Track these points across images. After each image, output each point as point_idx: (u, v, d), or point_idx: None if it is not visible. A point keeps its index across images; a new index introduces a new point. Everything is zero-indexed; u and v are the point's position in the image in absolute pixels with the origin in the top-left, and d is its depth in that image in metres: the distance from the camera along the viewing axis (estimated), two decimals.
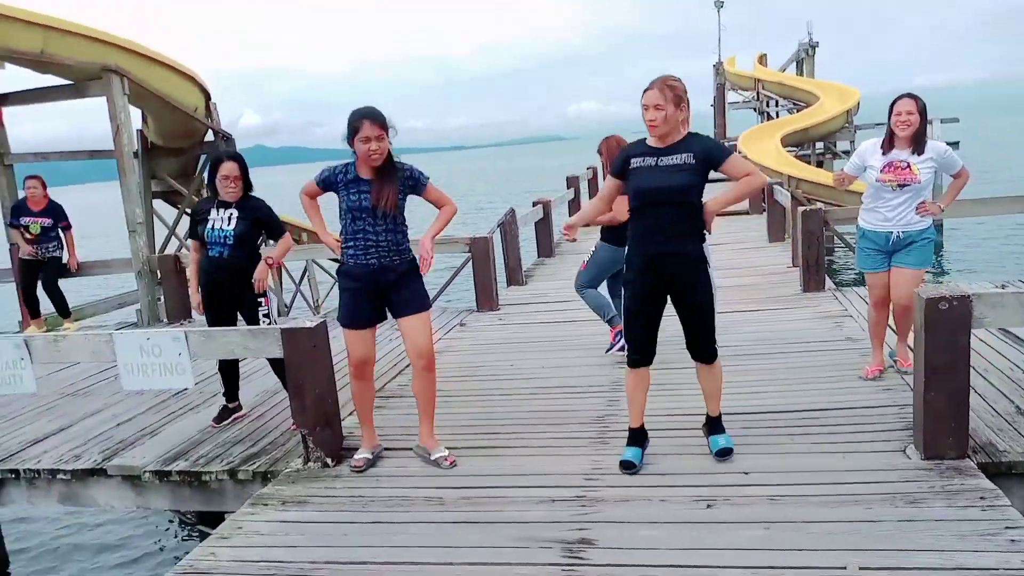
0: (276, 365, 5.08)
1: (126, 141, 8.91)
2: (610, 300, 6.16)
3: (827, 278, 7.98)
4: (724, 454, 3.97)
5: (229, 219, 4.98)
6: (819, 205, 8.64)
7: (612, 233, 5.89)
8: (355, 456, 4.40)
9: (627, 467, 3.98)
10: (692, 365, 4.48)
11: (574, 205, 15.48)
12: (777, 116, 29.30)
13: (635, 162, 3.81)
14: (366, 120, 3.92)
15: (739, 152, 19.05)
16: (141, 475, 4.63)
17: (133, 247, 9.26)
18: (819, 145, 24.17)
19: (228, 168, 4.96)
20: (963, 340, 3.67)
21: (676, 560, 3.12)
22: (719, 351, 4.03)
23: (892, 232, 4.75)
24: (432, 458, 4.28)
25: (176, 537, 7.10)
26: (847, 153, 23.67)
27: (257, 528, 3.75)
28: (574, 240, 4.36)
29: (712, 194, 3.83)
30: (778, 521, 3.34)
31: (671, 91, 3.69)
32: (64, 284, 9.04)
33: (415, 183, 4.13)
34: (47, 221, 8.64)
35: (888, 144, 4.69)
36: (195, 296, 5.19)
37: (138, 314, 9.67)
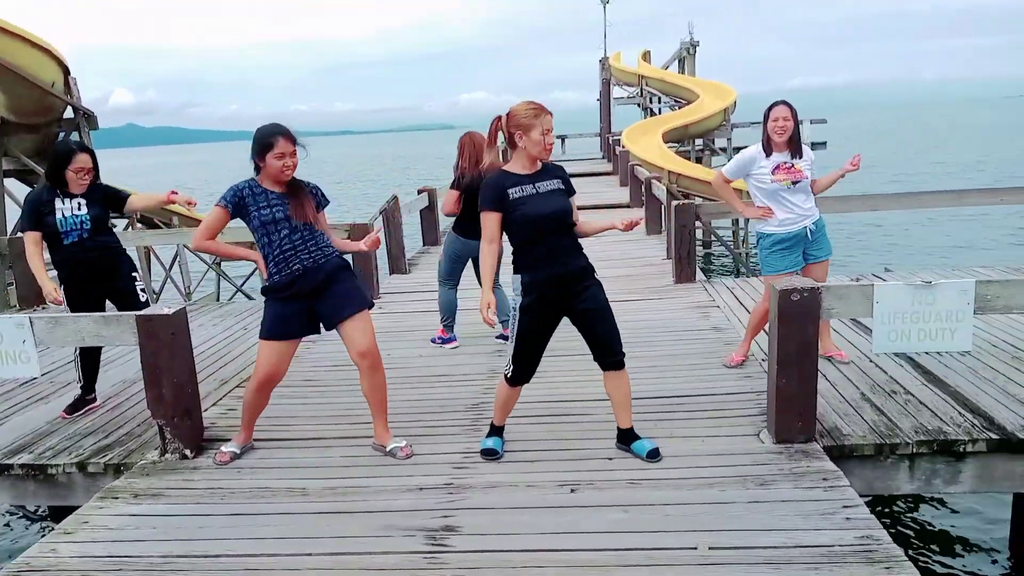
0: (84, 354, 5.02)
1: None
2: (455, 306, 6.30)
3: (698, 270, 8.26)
4: (655, 455, 3.86)
5: (79, 206, 4.78)
6: (697, 200, 8.96)
7: (460, 226, 6.09)
8: (221, 448, 4.24)
9: (490, 455, 4.02)
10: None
11: (427, 213, 15.34)
12: (660, 112, 30.17)
13: (513, 192, 3.71)
14: (281, 137, 3.82)
15: (623, 147, 19.51)
16: None
17: None
18: (698, 142, 25.02)
19: (83, 160, 4.77)
20: (812, 329, 3.87)
21: (538, 544, 3.16)
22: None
23: (806, 226, 4.92)
24: (387, 450, 4.13)
25: (24, 533, 6.66)
26: (724, 150, 24.65)
27: (105, 522, 3.55)
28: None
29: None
30: (637, 504, 3.43)
31: (549, 120, 3.74)
32: None
33: (318, 199, 4.04)
34: None
35: (768, 148, 4.88)
36: (49, 285, 4.82)
37: None
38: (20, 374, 4.33)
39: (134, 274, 5.06)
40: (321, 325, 4.09)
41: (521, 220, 3.70)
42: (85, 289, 4.89)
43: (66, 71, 10.32)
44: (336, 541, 3.29)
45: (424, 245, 11.86)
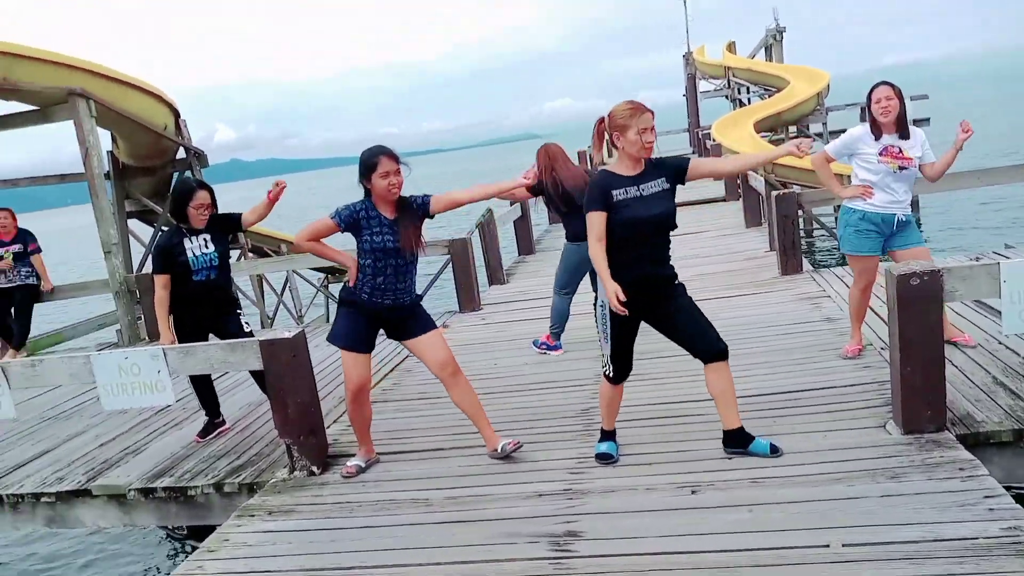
0: (258, 377, 5.07)
1: (96, 163, 8.83)
2: (567, 316, 6.26)
3: (804, 260, 8.04)
4: (776, 450, 3.79)
5: (206, 243, 5.03)
6: (794, 188, 8.71)
7: (567, 234, 6.08)
8: (347, 463, 4.40)
9: (606, 459, 4.04)
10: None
11: (522, 224, 15.41)
12: (749, 103, 29.45)
13: (617, 195, 3.70)
14: (383, 156, 3.96)
15: (713, 141, 19.14)
16: (126, 493, 4.61)
17: (109, 268, 9.19)
18: (792, 129, 24.34)
19: (203, 197, 4.98)
20: (936, 314, 3.71)
21: (662, 547, 3.14)
22: None
23: (896, 214, 4.77)
24: (499, 450, 4.24)
25: (167, 553, 7.06)
26: (820, 136, 23.86)
27: (244, 539, 3.74)
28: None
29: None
30: (762, 503, 3.37)
31: (651, 118, 3.69)
32: (44, 308, 8.95)
33: (422, 207, 4.14)
34: (18, 247, 8.58)
35: (877, 131, 4.73)
36: (168, 333, 5.04)
37: (118, 334, 9.61)
38: (158, 402, 4.58)
39: (239, 311, 5.31)
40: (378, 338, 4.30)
41: (622, 223, 3.68)
42: (200, 323, 5.13)
43: (176, 114, 10.91)
44: (462, 550, 3.36)
45: (520, 255, 11.97)
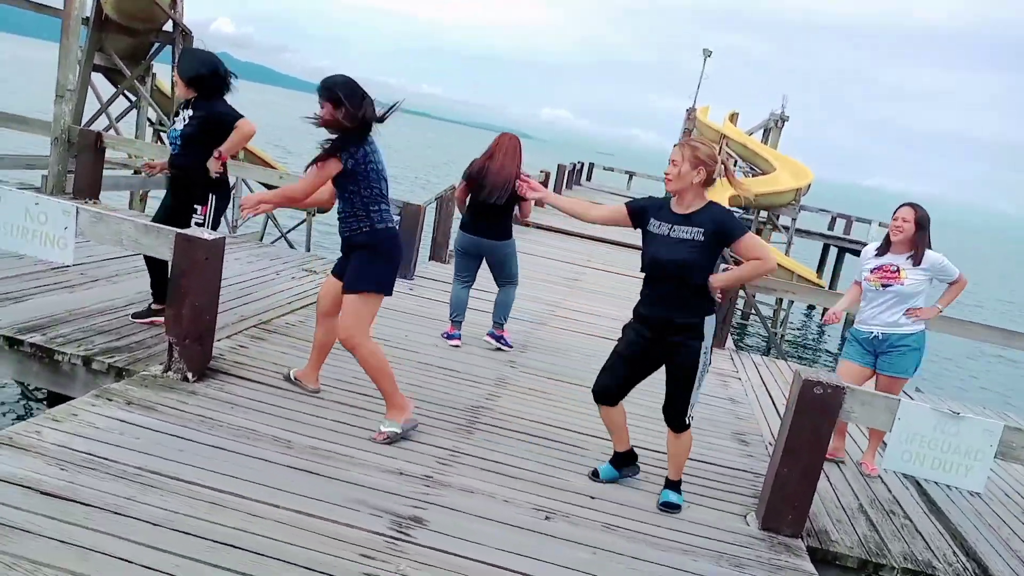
0: (152, 265, 5.02)
1: (77, 3, 8.46)
2: (465, 302, 6.26)
3: (729, 338, 8.16)
4: (669, 507, 3.89)
5: (185, 120, 4.93)
6: None
7: (463, 220, 6.13)
8: (294, 369, 4.57)
9: (593, 474, 4.09)
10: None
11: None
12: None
13: (652, 224, 3.75)
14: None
15: None
16: None
17: (56, 112, 8.80)
18: (763, 214, 24.81)
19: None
20: (826, 427, 3.78)
21: (499, 560, 3.12)
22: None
23: (873, 332, 4.85)
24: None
25: (11, 409, 6.78)
26: (786, 228, 24.40)
27: (92, 420, 3.59)
28: None
29: None
30: (606, 549, 3.38)
31: (691, 151, 3.66)
32: None
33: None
34: None
35: (884, 247, 4.84)
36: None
37: (43, 180, 9.20)
38: (54, 258, 4.38)
39: (196, 207, 5.01)
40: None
41: (643, 254, 3.78)
42: (167, 201, 5.11)
43: None
44: (305, 500, 3.28)
45: None
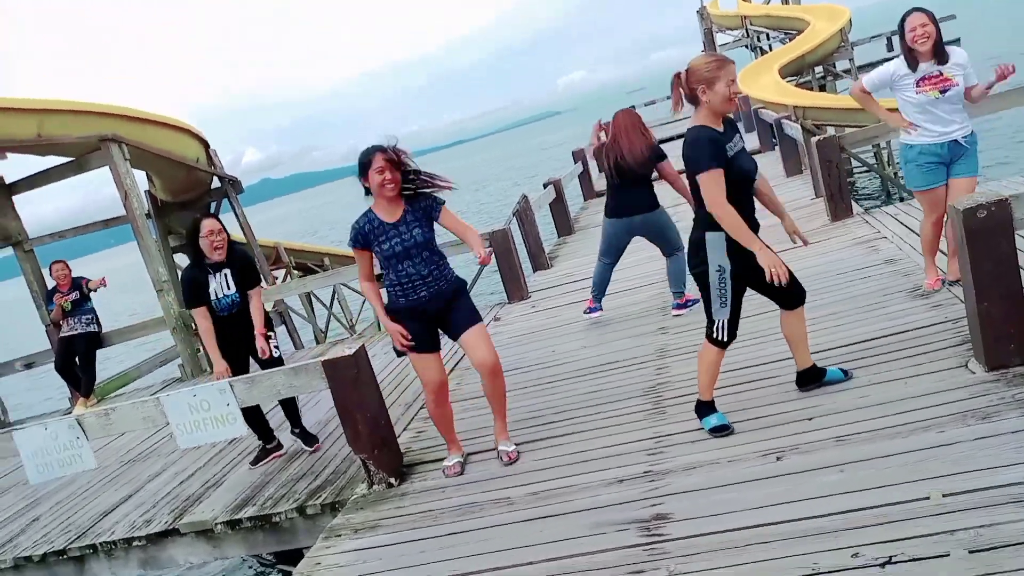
0: (284, 404, 5.34)
1: (136, 204, 8.98)
2: (607, 280, 6.45)
3: (853, 203, 7.83)
4: (847, 373, 4.02)
5: (227, 283, 5.12)
6: (830, 131, 8.48)
7: (606, 206, 6.22)
8: (447, 464, 4.42)
9: (722, 431, 3.90)
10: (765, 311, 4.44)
11: (584, 179, 15.38)
12: (771, 49, 28.82)
13: (729, 148, 3.64)
14: (377, 153, 3.98)
15: (740, 93, 18.73)
16: (213, 527, 4.69)
17: (163, 305, 9.35)
18: (818, 70, 23.76)
19: (209, 224, 5.08)
20: (1008, 245, 3.56)
21: (755, 520, 3.07)
22: (747, 301, 3.91)
23: (955, 138, 4.65)
24: (498, 449, 4.35)
25: None
26: (847, 72, 23.27)
27: (335, 560, 3.76)
28: None
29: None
30: (851, 462, 3.27)
31: (732, 68, 3.61)
32: (106, 353, 9.14)
33: (432, 209, 4.12)
34: (75, 295, 8.83)
35: (913, 61, 4.60)
36: (222, 365, 5.08)
37: (181, 369, 9.78)
38: (229, 435, 4.64)
39: (271, 334, 5.32)
40: (440, 336, 4.31)
41: (737, 177, 3.59)
42: (233, 344, 5.23)
43: (206, 145, 11.05)
44: (552, 546, 3.33)
45: (559, 236, 11.88)
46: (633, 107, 6.75)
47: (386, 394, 6.00)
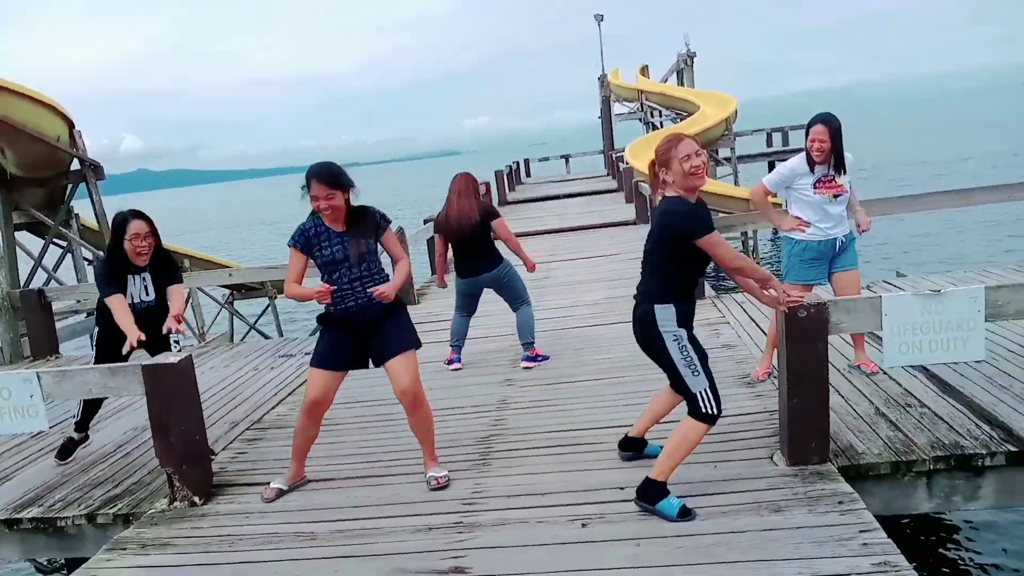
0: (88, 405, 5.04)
1: None
2: (465, 332, 6.55)
3: (706, 285, 8.19)
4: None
5: (146, 289, 4.76)
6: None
7: (456, 266, 6.41)
8: (269, 485, 4.26)
9: (687, 515, 3.54)
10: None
11: None
12: (662, 126, 30.20)
13: None
14: (314, 180, 3.89)
15: (626, 163, 19.44)
16: None
17: None
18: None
19: (137, 227, 4.63)
20: (822, 347, 3.80)
21: None
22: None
23: (837, 238, 4.96)
24: (427, 475, 4.20)
25: None
26: (728, 160, 24.61)
27: (112, 575, 3.52)
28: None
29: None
30: (648, 537, 3.36)
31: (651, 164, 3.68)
32: None
33: (379, 228, 4.09)
34: None
35: (812, 163, 4.88)
36: (135, 330, 4.52)
37: None
38: (29, 428, 4.31)
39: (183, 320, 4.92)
40: (370, 361, 4.18)
41: (702, 252, 3.55)
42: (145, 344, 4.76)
43: (71, 124, 10.43)
44: None
45: (432, 275, 11.83)
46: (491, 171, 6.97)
47: (212, 408, 5.77)
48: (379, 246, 4.14)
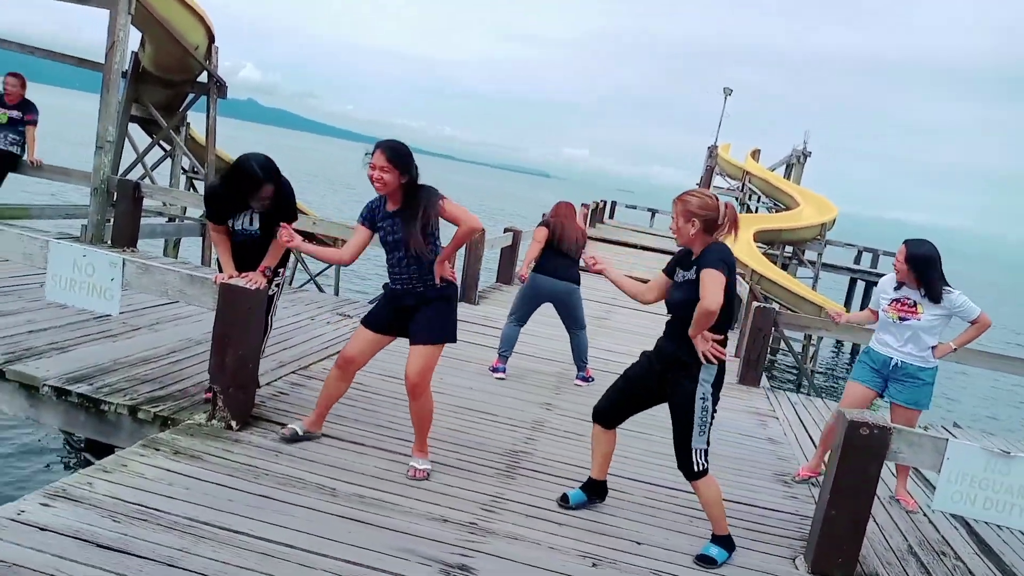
0: None
1: (118, 59, 8.71)
2: (515, 339, 6.63)
3: (764, 376, 8.10)
4: (705, 561, 3.74)
5: (251, 220, 4.59)
6: (774, 306, 8.81)
7: (540, 264, 6.47)
8: (289, 424, 4.37)
9: (563, 500, 4.09)
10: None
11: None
12: (756, 211, 29.93)
13: (677, 274, 3.87)
14: (377, 148, 4.04)
15: None
16: (40, 387, 4.47)
17: (96, 163, 9.02)
18: (788, 249, 24.72)
19: (267, 191, 4.43)
20: (874, 468, 3.74)
21: None
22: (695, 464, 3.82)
23: (892, 358, 4.89)
24: (409, 463, 4.25)
25: (59, 458, 6.86)
26: (812, 263, 24.26)
27: (142, 470, 3.63)
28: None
29: None
30: None
31: (682, 206, 3.72)
32: (17, 181, 8.76)
33: (429, 205, 4.07)
34: (16, 113, 8.46)
35: (899, 280, 4.89)
36: (232, 268, 4.51)
37: (83, 229, 9.39)
38: (100, 309, 4.48)
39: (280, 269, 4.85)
40: (398, 329, 4.31)
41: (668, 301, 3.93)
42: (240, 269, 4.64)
43: (211, 38, 10.82)
44: (354, 550, 3.28)
45: (497, 281, 11.95)
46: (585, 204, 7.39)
47: (268, 344, 5.89)
48: (438, 223, 4.16)
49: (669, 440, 3.90)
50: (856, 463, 3.73)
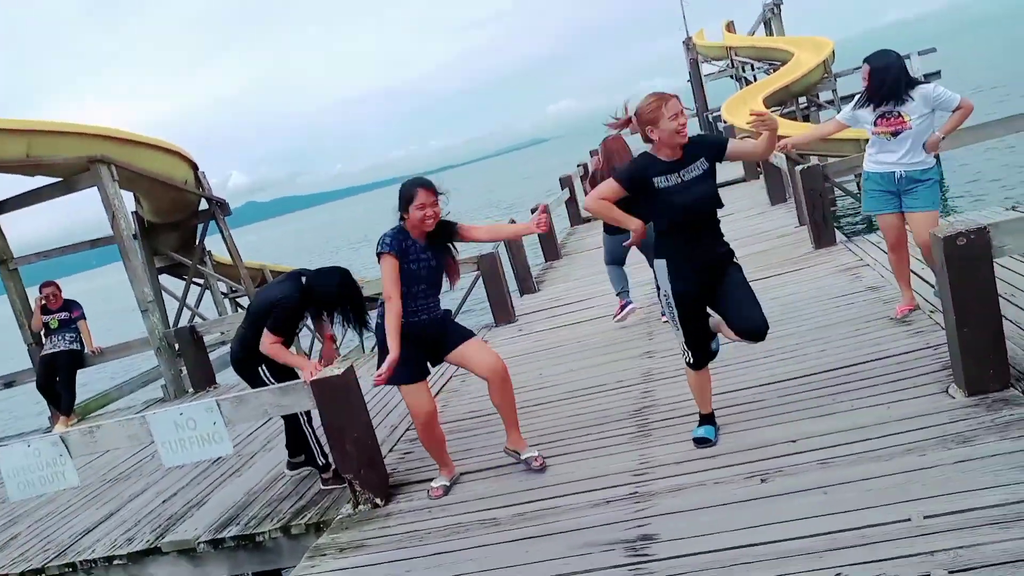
0: (287, 420, 5.07)
1: (124, 225, 8.98)
2: (624, 276, 6.78)
3: (836, 231, 7.94)
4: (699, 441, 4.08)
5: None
6: (813, 160, 8.61)
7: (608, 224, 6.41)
8: (433, 485, 4.43)
9: (701, 442, 4.08)
10: (723, 341, 4.49)
11: (571, 204, 15.48)
12: (755, 79, 29.24)
13: (658, 181, 3.74)
14: (420, 188, 4.06)
15: (725, 122, 18.97)
16: (195, 547, 4.66)
17: (148, 325, 9.31)
18: (801, 100, 24.10)
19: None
20: (987, 272, 3.64)
21: (740, 540, 3.10)
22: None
23: (895, 171, 4.83)
24: (522, 458, 4.38)
25: None
26: (831, 103, 23.63)
27: None
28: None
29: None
30: (834, 484, 3.31)
31: (637, 127, 3.78)
32: (88, 372, 9.09)
33: (454, 233, 4.26)
34: (64, 315, 8.82)
35: (869, 100, 4.81)
36: (305, 359, 4.83)
37: (164, 389, 9.73)
38: (215, 454, 4.62)
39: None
40: (428, 365, 4.35)
41: (671, 210, 3.75)
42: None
43: (194, 167, 11.08)
44: (538, 566, 3.34)
45: (546, 261, 11.94)
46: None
47: (372, 415, 6.00)
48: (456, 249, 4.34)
49: (785, 337, 3.88)
50: (967, 274, 3.63)
